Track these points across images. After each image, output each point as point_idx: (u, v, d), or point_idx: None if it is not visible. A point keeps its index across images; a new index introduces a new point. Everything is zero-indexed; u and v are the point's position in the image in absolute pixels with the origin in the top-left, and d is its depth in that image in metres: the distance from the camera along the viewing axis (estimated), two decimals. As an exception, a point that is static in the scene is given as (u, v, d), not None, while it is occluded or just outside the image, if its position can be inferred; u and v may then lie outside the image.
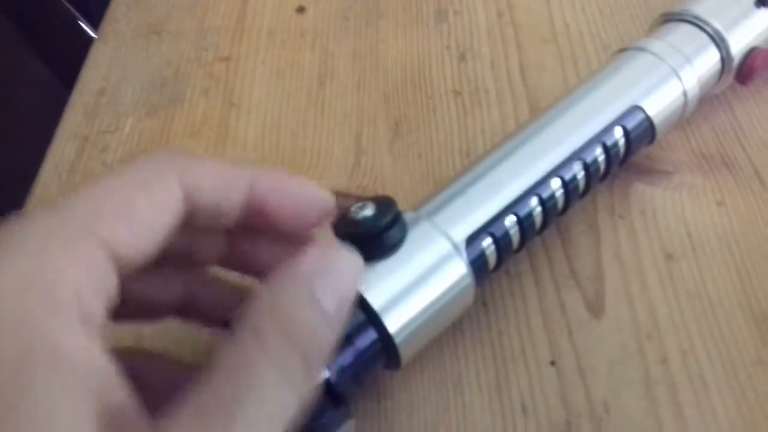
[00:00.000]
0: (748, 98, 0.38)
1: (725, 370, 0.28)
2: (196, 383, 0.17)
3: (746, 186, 0.34)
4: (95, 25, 0.80)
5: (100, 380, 0.17)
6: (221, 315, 0.25)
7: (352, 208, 0.25)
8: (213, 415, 0.17)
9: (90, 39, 0.46)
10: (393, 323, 0.24)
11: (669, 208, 0.33)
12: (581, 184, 0.30)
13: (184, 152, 0.22)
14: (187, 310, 0.25)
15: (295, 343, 0.18)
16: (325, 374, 0.23)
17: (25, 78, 0.73)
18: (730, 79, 0.35)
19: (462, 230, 0.27)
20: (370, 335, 0.24)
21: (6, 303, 0.16)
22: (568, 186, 0.29)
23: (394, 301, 0.25)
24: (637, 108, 0.31)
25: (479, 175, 0.29)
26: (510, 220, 0.28)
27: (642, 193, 0.34)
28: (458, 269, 0.26)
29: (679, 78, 0.32)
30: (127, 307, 0.20)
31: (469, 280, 0.26)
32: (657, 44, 0.33)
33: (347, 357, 0.24)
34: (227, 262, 0.25)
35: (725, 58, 0.34)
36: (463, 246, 0.27)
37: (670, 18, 0.35)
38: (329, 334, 0.19)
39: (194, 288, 0.25)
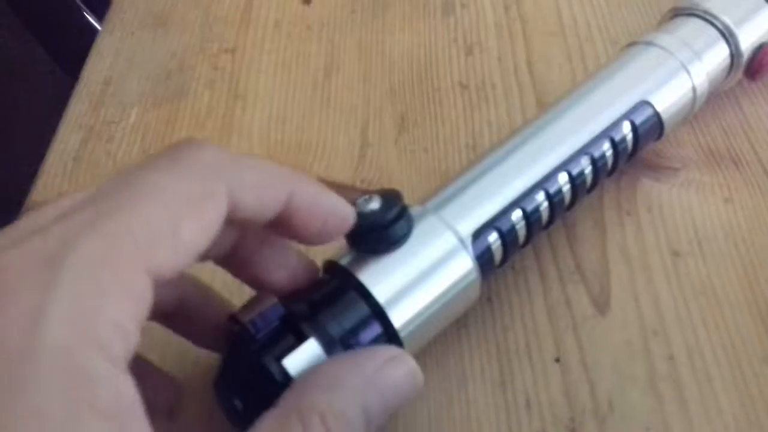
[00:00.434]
0: (757, 95, 0.38)
1: (731, 367, 0.28)
2: None
3: (754, 183, 0.34)
4: (99, 16, 0.80)
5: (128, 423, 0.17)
6: (204, 330, 0.25)
7: (359, 201, 0.25)
8: None
9: (94, 30, 0.46)
10: (398, 318, 0.24)
11: (676, 204, 0.33)
12: (588, 179, 0.30)
13: (229, 154, 0.21)
14: (174, 316, 0.25)
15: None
16: None
17: (28, 68, 0.73)
18: (739, 75, 0.35)
19: (468, 224, 0.27)
20: (375, 329, 0.24)
21: (53, 333, 0.16)
22: (575, 181, 0.29)
23: (400, 296, 0.25)
24: (645, 103, 0.31)
25: (486, 170, 0.28)
26: (516, 215, 0.28)
27: (649, 189, 0.34)
28: (464, 264, 0.26)
29: (689, 73, 0.32)
30: None
31: (475, 274, 0.26)
32: (666, 39, 0.33)
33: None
34: (225, 262, 0.25)
35: (735, 53, 0.34)
36: (469, 240, 0.26)
37: (680, 12, 0.35)
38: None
39: (187, 294, 0.25)
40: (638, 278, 0.31)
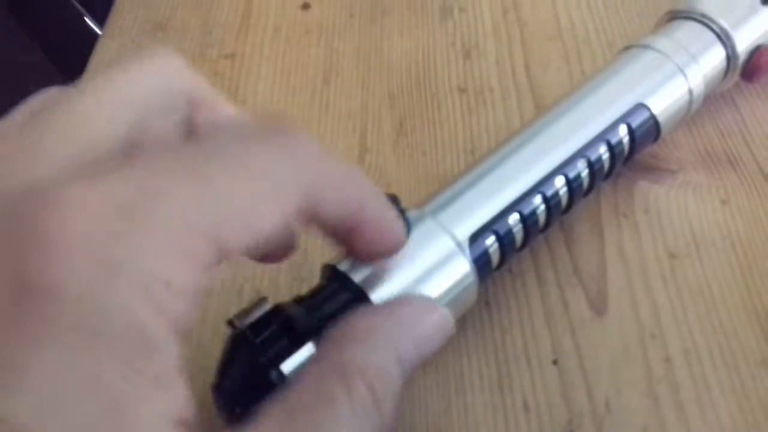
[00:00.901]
0: (754, 97, 0.38)
1: (728, 370, 0.28)
2: (277, 401, 0.19)
3: (751, 185, 0.34)
4: (100, 21, 0.80)
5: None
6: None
7: (355, 206, 0.25)
8: None
9: (95, 35, 0.46)
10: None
11: (673, 206, 0.33)
12: (585, 182, 0.30)
13: (320, 148, 0.20)
14: None
15: (373, 389, 0.19)
16: None
17: (29, 74, 0.73)
18: (735, 77, 0.35)
19: (466, 228, 0.27)
20: (373, 333, 0.24)
21: (121, 291, 0.16)
22: (572, 184, 0.29)
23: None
24: (641, 106, 0.31)
25: (483, 173, 0.28)
26: (514, 219, 0.28)
27: (646, 192, 0.34)
28: (462, 267, 0.26)
29: (685, 76, 0.32)
30: None
31: (473, 278, 0.26)
32: (662, 42, 0.33)
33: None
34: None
35: (731, 56, 0.34)
36: (466, 244, 0.27)
37: (677, 15, 0.35)
38: (401, 382, 0.21)
39: None
40: (635, 281, 0.31)
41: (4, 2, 0.77)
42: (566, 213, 0.31)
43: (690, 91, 0.33)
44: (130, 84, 0.20)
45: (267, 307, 0.24)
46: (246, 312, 0.24)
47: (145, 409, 0.15)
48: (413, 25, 0.45)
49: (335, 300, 0.25)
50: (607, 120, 0.30)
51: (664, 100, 0.32)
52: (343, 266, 0.25)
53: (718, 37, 0.34)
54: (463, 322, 0.29)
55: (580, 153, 0.29)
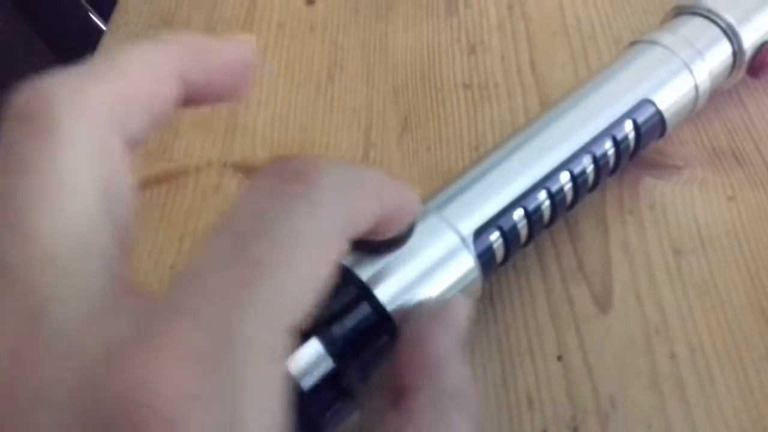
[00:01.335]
0: (760, 92, 0.38)
1: (733, 366, 0.28)
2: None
3: (757, 181, 0.34)
4: (105, 16, 0.80)
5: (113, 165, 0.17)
6: None
7: (360, 201, 0.25)
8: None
9: (100, 31, 0.46)
10: (400, 317, 0.24)
11: (679, 202, 0.33)
12: (590, 178, 0.30)
13: (348, 173, 0.20)
14: None
15: (454, 398, 0.22)
16: (332, 366, 0.23)
17: (33, 69, 0.73)
18: (741, 73, 0.35)
19: (470, 223, 0.27)
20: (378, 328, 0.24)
21: None
22: (577, 180, 0.29)
23: (401, 295, 0.25)
24: (647, 102, 0.31)
25: (488, 169, 0.28)
26: (518, 214, 0.28)
27: (652, 188, 0.34)
28: (466, 263, 0.26)
29: (691, 72, 0.32)
30: None
31: (477, 273, 0.26)
32: (668, 37, 0.33)
33: (354, 349, 0.24)
34: None
35: (737, 52, 0.34)
36: (471, 239, 0.26)
37: (683, 11, 0.35)
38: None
39: None
40: (640, 277, 0.31)
41: (9, -2, 0.78)
42: (571, 209, 0.31)
43: (696, 87, 0.32)
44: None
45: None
46: None
47: None
48: (418, 20, 0.44)
49: (339, 296, 0.24)
50: (612, 115, 0.30)
51: (670, 96, 0.32)
52: (347, 261, 0.25)
53: (725, 32, 0.33)
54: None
55: (585, 148, 0.29)
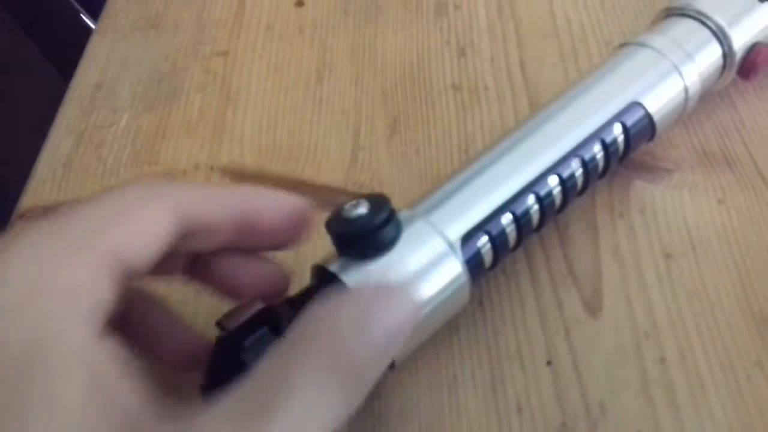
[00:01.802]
0: (751, 94, 0.38)
1: (723, 371, 0.28)
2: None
3: (748, 184, 0.34)
4: (96, 17, 0.80)
5: (102, 369, 0.18)
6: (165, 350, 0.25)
7: (346, 206, 0.25)
8: (248, 410, 0.18)
9: (90, 31, 0.46)
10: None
11: (669, 206, 0.33)
12: (579, 181, 0.30)
13: (169, 181, 0.23)
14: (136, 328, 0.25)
15: (336, 365, 0.19)
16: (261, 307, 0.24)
17: (25, 70, 0.72)
18: (732, 74, 0.35)
19: (458, 229, 0.26)
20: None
21: (14, 301, 0.18)
22: (566, 184, 0.29)
23: (388, 301, 0.24)
24: (637, 104, 0.31)
25: (476, 173, 0.28)
26: (507, 219, 0.28)
27: (642, 191, 0.34)
28: (453, 268, 0.26)
29: (680, 74, 0.32)
30: None
31: (464, 279, 0.26)
32: (658, 39, 0.33)
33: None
34: (199, 276, 0.26)
35: (727, 53, 0.34)
36: (458, 245, 0.26)
37: (672, 13, 0.35)
38: (373, 363, 0.20)
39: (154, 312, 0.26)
40: (630, 281, 0.31)
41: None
42: (560, 213, 0.30)
43: (685, 89, 0.32)
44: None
45: (257, 308, 0.23)
46: (235, 313, 0.23)
47: None
48: (408, 22, 0.44)
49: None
50: (601, 119, 0.30)
51: (660, 99, 0.31)
52: (333, 267, 0.25)
53: (715, 34, 0.33)
54: (456, 322, 0.29)
55: (574, 152, 0.29)
